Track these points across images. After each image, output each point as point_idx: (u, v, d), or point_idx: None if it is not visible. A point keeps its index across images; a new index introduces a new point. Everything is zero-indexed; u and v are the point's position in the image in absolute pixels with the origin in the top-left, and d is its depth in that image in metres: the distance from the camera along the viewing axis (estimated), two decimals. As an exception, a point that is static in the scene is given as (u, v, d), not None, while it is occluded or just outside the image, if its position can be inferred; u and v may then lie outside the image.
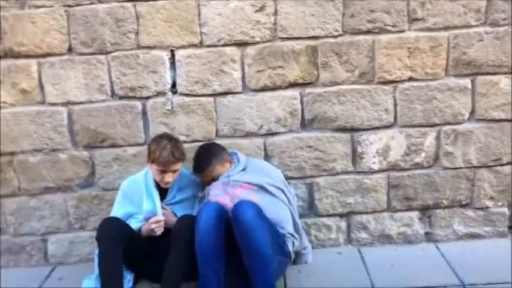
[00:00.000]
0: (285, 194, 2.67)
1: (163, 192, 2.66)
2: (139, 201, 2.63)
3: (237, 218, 2.35)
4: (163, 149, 2.50)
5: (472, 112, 2.84)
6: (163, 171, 2.54)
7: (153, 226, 2.51)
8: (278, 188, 2.65)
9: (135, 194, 2.66)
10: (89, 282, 2.67)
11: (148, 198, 2.62)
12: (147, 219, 2.58)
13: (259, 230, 2.33)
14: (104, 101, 2.83)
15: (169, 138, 2.58)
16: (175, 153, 2.52)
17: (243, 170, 2.68)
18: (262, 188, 2.60)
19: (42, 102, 2.83)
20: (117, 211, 2.67)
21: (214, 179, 2.67)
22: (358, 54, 2.77)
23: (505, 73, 2.78)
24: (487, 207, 2.94)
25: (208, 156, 2.68)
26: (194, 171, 2.72)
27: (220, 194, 2.56)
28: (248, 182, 2.60)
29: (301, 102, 2.83)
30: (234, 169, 2.68)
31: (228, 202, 2.49)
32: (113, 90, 2.82)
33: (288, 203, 2.67)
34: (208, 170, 2.66)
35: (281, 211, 2.62)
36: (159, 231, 2.53)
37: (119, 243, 2.40)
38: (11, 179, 2.90)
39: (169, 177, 2.56)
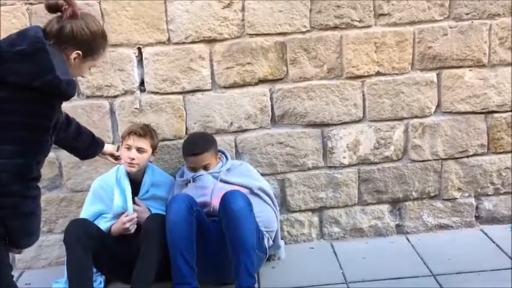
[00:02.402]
0: (270, 198, 2.68)
1: (136, 188, 2.61)
2: (110, 201, 2.58)
3: (227, 207, 2.34)
4: (133, 125, 2.64)
5: (438, 105, 2.89)
6: (128, 148, 2.52)
7: (127, 225, 2.48)
8: (264, 191, 2.66)
9: (105, 192, 2.61)
10: (58, 286, 2.62)
11: (119, 192, 2.56)
12: (116, 216, 2.53)
13: (248, 221, 2.35)
14: (70, 100, 2.76)
15: (145, 124, 2.68)
16: (143, 127, 2.58)
17: (228, 170, 2.66)
18: (251, 191, 2.60)
19: (6, 103, 2.75)
20: (86, 210, 2.63)
21: (205, 168, 2.61)
22: (326, 49, 2.78)
23: (469, 66, 2.84)
24: (455, 199, 2.99)
25: (207, 140, 2.64)
26: (191, 153, 2.59)
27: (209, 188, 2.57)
28: (239, 184, 2.59)
29: (271, 98, 2.83)
30: (222, 166, 2.65)
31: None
32: (78, 90, 2.76)
33: (272, 205, 2.69)
34: (207, 153, 2.58)
35: (270, 213, 2.65)
36: (133, 228, 2.50)
37: (88, 245, 2.36)
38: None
39: (132, 154, 2.52)
